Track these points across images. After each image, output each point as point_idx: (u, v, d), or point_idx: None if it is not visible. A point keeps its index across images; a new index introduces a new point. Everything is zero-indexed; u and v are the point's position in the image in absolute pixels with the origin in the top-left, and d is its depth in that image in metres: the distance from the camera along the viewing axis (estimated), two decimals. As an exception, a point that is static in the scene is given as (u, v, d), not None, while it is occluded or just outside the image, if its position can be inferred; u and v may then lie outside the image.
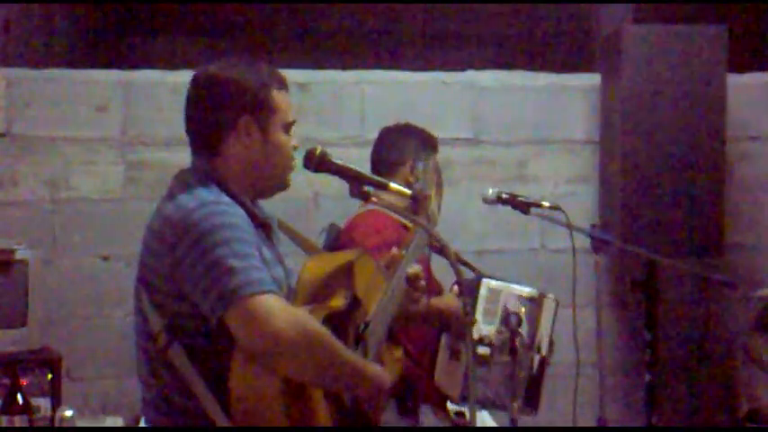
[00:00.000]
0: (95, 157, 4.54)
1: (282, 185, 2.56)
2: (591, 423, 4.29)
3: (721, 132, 4.50)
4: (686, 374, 4.85)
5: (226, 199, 2.40)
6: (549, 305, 3.59)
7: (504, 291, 3.54)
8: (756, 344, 4.57)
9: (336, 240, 3.56)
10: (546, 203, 3.64)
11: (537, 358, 3.55)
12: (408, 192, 2.65)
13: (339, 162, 2.57)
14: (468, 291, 3.46)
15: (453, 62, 6.01)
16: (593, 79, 4.86)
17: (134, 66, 4.95)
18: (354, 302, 2.51)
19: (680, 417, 4.85)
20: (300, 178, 2.64)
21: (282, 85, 2.53)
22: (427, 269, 3.46)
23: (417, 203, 2.80)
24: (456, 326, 3.45)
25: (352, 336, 2.50)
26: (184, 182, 2.44)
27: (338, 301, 2.48)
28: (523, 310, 3.53)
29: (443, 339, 3.58)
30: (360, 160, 3.77)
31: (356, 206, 3.68)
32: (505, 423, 3.68)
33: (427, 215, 2.84)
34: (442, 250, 2.65)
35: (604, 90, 4.75)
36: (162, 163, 4.50)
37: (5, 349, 3.91)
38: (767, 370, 4.51)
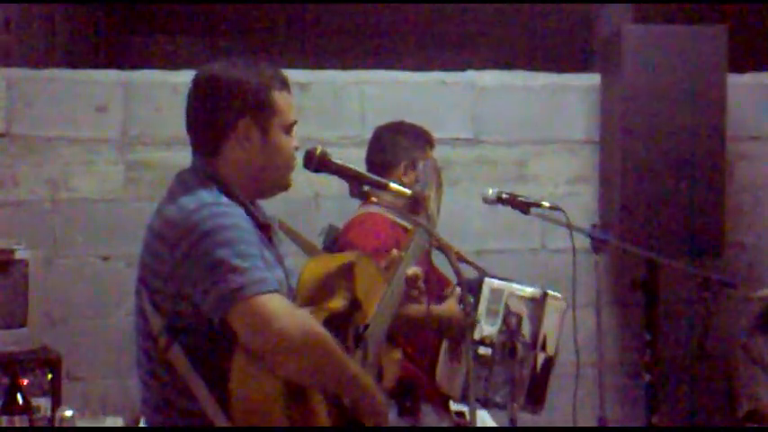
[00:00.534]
0: (95, 157, 4.54)
1: (283, 186, 2.55)
2: (591, 423, 4.29)
3: (721, 132, 4.50)
4: (686, 374, 4.85)
5: (225, 200, 2.39)
6: (554, 304, 3.59)
7: (506, 291, 3.54)
8: (756, 344, 4.57)
9: (334, 242, 3.55)
10: (546, 203, 3.63)
11: (542, 357, 3.54)
12: (408, 192, 2.65)
13: (339, 162, 2.57)
14: (471, 290, 3.46)
15: (453, 62, 6.02)
16: (593, 79, 4.86)
17: (134, 66, 4.96)
18: (354, 304, 2.51)
19: (680, 417, 4.84)
20: (300, 178, 2.63)
21: (284, 85, 2.52)
22: (429, 270, 3.46)
23: (417, 204, 2.79)
24: (456, 331, 3.44)
25: (352, 337, 2.50)
26: (185, 183, 2.44)
27: (337, 303, 2.48)
28: (526, 310, 3.53)
29: (446, 339, 3.57)
30: (360, 160, 3.77)
31: (356, 206, 3.67)
32: (505, 423, 3.67)
33: (427, 215, 2.83)
34: (442, 250, 2.65)
35: (604, 90, 4.75)
36: (162, 163, 4.50)
37: (5, 349, 3.91)
38: (767, 370, 4.51)
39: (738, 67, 4.77)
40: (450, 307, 3.44)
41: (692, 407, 4.83)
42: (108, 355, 4.47)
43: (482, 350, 3.47)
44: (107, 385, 4.46)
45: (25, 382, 3.77)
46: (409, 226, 3.07)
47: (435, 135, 3.90)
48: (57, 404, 3.86)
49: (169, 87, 4.50)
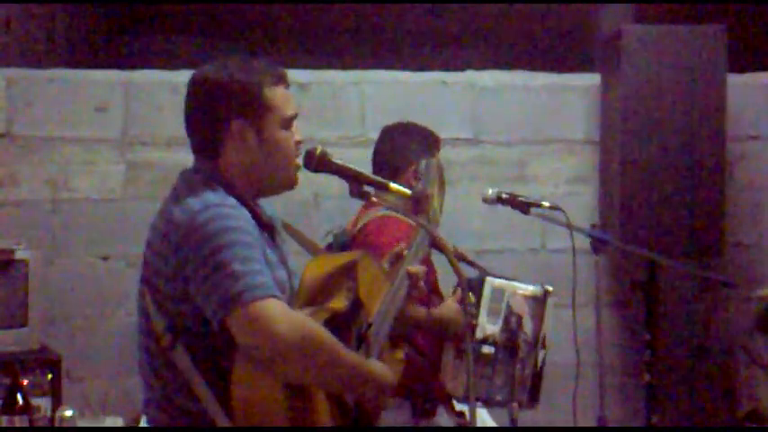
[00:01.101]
0: (95, 157, 4.55)
1: (289, 184, 2.52)
2: (591, 423, 4.29)
3: (721, 132, 4.50)
4: (686, 374, 4.85)
5: (231, 201, 2.38)
6: (550, 301, 3.59)
7: (507, 289, 3.54)
8: (756, 344, 4.58)
9: (349, 244, 3.51)
10: (546, 203, 3.63)
11: (542, 354, 3.54)
12: (408, 192, 2.64)
13: (339, 162, 2.55)
14: (472, 290, 3.46)
15: (453, 62, 6.02)
16: (593, 79, 4.86)
17: (134, 66, 4.95)
18: (356, 304, 2.51)
19: (680, 417, 4.85)
20: (300, 178, 2.62)
21: (278, 80, 2.49)
22: (429, 270, 3.45)
23: (418, 203, 2.78)
24: (457, 333, 3.43)
25: (355, 337, 2.50)
26: (190, 183, 2.43)
27: (339, 303, 2.48)
28: (527, 309, 3.53)
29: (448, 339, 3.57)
30: (360, 160, 3.75)
31: (357, 206, 3.66)
32: (506, 423, 3.67)
33: (428, 215, 2.82)
34: (442, 251, 2.64)
35: (604, 90, 4.75)
36: (162, 163, 4.50)
37: (5, 349, 3.91)
38: (767, 370, 4.51)
39: (738, 67, 4.77)
40: (449, 307, 3.44)
41: (692, 407, 4.83)
42: (108, 355, 4.47)
43: (485, 349, 3.47)
44: (107, 385, 4.46)
45: (25, 382, 3.77)
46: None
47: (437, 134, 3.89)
48: (57, 404, 3.86)
49: (169, 87, 4.50)
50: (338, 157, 2.57)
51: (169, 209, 2.40)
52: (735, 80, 4.63)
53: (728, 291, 4.61)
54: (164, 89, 4.55)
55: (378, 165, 3.73)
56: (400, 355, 2.70)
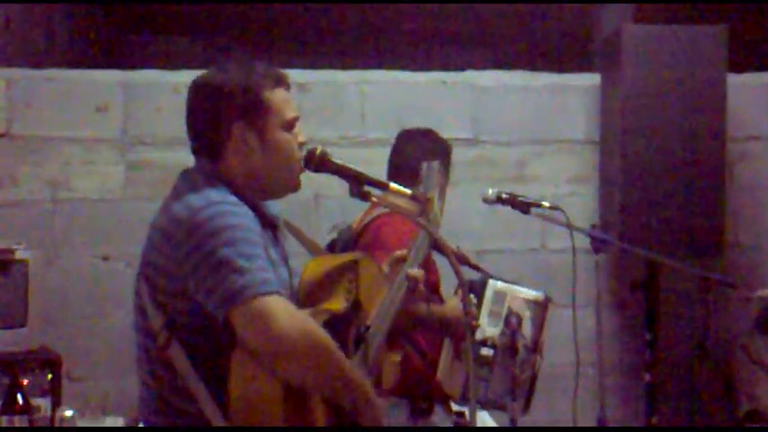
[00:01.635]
0: (95, 157, 4.55)
1: (292, 187, 2.53)
2: (591, 423, 4.29)
3: (721, 132, 4.50)
4: (686, 374, 4.85)
5: (233, 199, 2.39)
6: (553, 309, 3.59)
7: (509, 293, 3.54)
8: (756, 344, 4.57)
9: (354, 240, 3.51)
10: (546, 203, 3.63)
11: (540, 360, 3.54)
12: (409, 192, 2.64)
13: (339, 162, 2.56)
14: (474, 292, 3.46)
15: (453, 62, 6.03)
16: (593, 79, 4.86)
17: (134, 66, 4.96)
18: (356, 305, 2.51)
19: (680, 417, 4.84)
20: (301, 178, 2.63)
21: (279, 82, 2.50)
22: (429, 272, 3.45)
23: (420, 205, 2.78)
24: (457, 331, 3.44)
25: (353, 338, 2.49)
26: (193, 181, 2.43)
27: (338, 304, 2.48)
28: (528, 313, 3.53)
29: (447, 339, 3.57)
30: (360, 160, 3.75)
31: (357, 206, 3.64)
32: (505, 423, 3.67)
33: (429, 217, 2.82)
34: (443, 252, 2.64)
35: (604, 90, 4.75)
36: (162, 163, 4.50)
37: (5, 349, 3.91)
38: (767, 370, 4.51)
39: (738, 67, 4.77)
40: (451, 305, 3.45)
41: (692, 407, 4.83)
42: (108, 355, 4.47)
43: (484, 351, 3.47)
44: (107, 385, 4.46)
45: (25, 382, 3.77)
46: None
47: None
48: (57, 404, 3.86)
49: (169, 87, 4.51)
50: (338, 157, 2.57)
51: (171, 206, 2.40)
52: (735, 80, 4.63)
53: (728, 291, 4.61)
54: (164, 89, 4.55)
55: (393, 167, 3.70)
56: (397, 357, 2.70)
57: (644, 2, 6.60)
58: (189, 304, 2.33)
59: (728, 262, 4.80)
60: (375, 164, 3.53)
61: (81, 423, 3.79)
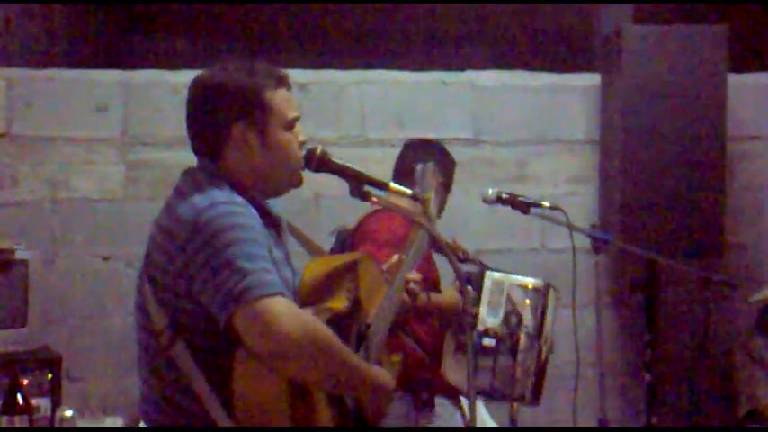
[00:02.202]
0: (95, 157, 4.55)
1: (294, 184, 2.53)
2: (591, 423, 4.29)
3: (721, 132, 4.50)
4: (686, 374, 4.85)
5: (238, 199, 2.38)
6: (555, 295, 3.60)
7: (506, 282, 3.56)
8: (756, 344, 4.58)
9: (347, 242, 3.54)
10: (546, 203, 3.64)
11: (546, 347, 3.55)
12: (409, 192, 2.65)
13: (339, 162, 2.56)
14: (472, 283, 3.48)
15: (453, 62, 6.02)
16: (593, 79, 4.86)
17: (134, 66, 4.96)
18: (356, 304, 2.51)
19: (680, 417, 4.85)
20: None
21: (280, 83, 2.50)
22: (429, 270, 3.46)
23: (419, 204, 2.79)
24: (457, 321, 3.46)
25: (355, 337, 2.50)
26: (196, 181, 2.42)
27: (339, 303, 2.48)
28: (528, 301, 3.53)
29: (449, 331, 3.58)
30: (360, 160, 3.76)
31: (357, 206, 3.65)
32: (505, 421, 3.68)
33: (427, 218, 2.83)
34: (442, 252, 2.65)
35: (604, 90, 4.75)
36: (162, 163, 4.50)
37: (5, 349, 3.92)
38: (767, 370, 4.51)
39: (738, 67, 4.77)
40: (449, 295, 3.47)
41: (692, 407, 4.83)
42: (108, 355, 4.47)
43: (486, 341, 3.48)
44: (107, 385, 4.46)
45: (25, 382, 3.77)
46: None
47: (435, 135, 3.90)
48: (57, 404, 3.87)
49: (169, 87, 4.51)
50: (338, 157, 2.57)
51: (174, 206, 2.39)
52: (735, 80, 4.64)
53: (728, 291, 4.61)
54: (164, 89, 4.55)
55: (398, 173, 3.71)
56: (397, 358, 2.71)
57: (644, 2, 6.60)
58: (193, 304, 2.33)
59: (728, 262, 4.80)
60: (375, 164, 3.53)
61: (81, 423, 3.80)
